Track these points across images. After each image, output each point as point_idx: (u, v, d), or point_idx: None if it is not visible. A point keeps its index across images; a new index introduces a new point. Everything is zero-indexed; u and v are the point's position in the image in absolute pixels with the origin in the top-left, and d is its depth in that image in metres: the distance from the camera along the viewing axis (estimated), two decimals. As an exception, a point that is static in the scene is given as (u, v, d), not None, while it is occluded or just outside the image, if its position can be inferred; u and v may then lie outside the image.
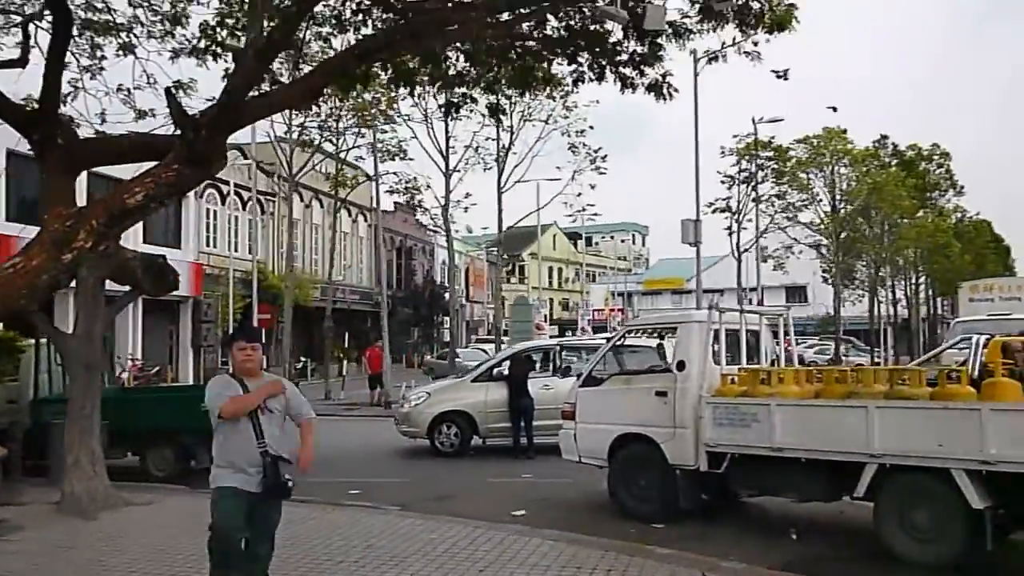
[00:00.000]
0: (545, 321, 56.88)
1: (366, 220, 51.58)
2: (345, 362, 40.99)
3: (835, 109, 22.97)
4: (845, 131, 36.68)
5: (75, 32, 14.77)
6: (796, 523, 9.03)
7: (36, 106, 10.49)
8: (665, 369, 9.69)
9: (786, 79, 16.01)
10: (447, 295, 57.97)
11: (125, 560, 7.65)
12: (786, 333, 10.47)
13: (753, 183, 34.46)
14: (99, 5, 12.54)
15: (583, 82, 13.02)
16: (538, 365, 15.79)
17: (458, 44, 12.88)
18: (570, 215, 39.23)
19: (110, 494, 10.06)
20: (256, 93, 10.57)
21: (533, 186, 38.99)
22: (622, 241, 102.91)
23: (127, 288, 10.81)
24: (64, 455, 10.01)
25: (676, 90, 12.62)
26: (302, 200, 42.21)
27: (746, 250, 35.76)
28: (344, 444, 17.58)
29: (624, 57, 12.01)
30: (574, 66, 12.67)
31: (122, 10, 12.75)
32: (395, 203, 47.76)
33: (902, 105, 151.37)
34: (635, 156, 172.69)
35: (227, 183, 35.70)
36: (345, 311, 44.28)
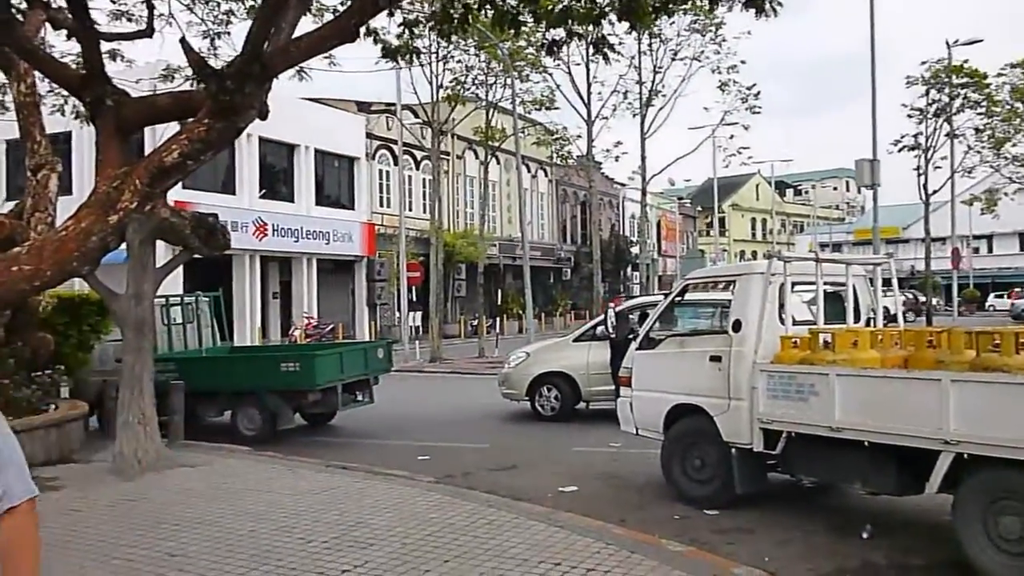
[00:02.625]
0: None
1: (546, 175, 51.03)
2: (525, 319, 40.77)
3: None
4: (1075, 50, 31.52)
5: (205, -1, 15.10)
6: (875, 519, 7.43)
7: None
8: (721, 330, 8.27)
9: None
10: (634, 248, 56.69)
11: (116, 530, 7.41)
12: (887, 285, 8.65)
13: (946, 115, 30.32)
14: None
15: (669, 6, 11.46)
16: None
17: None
18: (724, 161, 36.54)
19: (162, 455, 10.01)
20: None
21: (691, 133, 36.64)
22: (834, 189, 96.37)
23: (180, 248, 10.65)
24: (116, 416, 10.08)
25: (780, 4, 10.87)
26: (477, 157, 42.21)
27: (935, 192, 31.71)
28: (450, 404, 17.14)
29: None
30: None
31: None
32: (576, 157, 46.90)
33: None
34: (864, 100, 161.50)
35: (395, 142, 36.18)
36: (530, 268, 44.00)
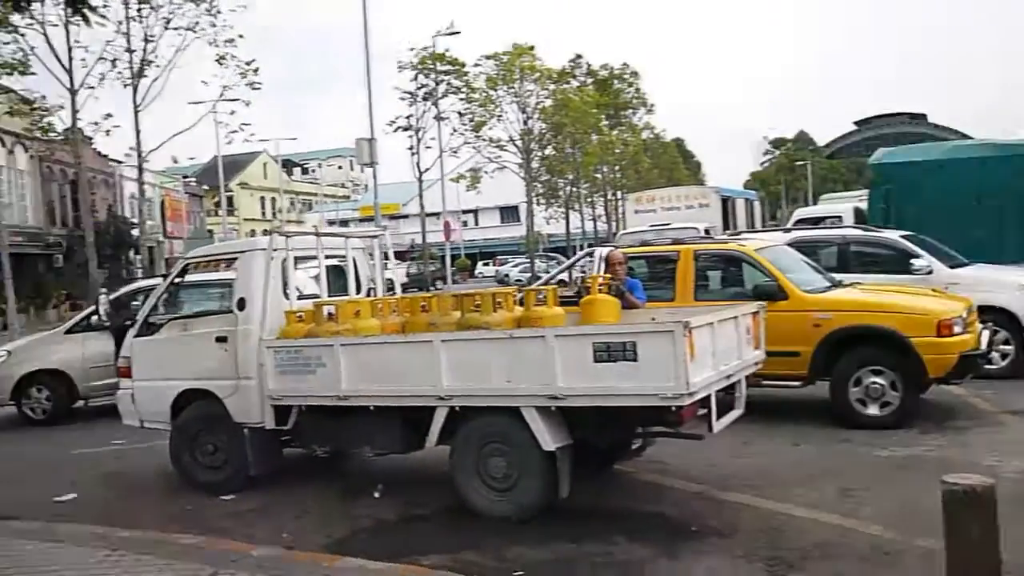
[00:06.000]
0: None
1: (25, 150, 45.21)
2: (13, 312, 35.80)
3: None
4: (532, 48, 36.35)
5: None
6: (385, 479, 7.84)
7: None
8: (227, 310, 8.04)
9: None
10: (135, 231, 52.87)
11: None
12: (385, 256, 9.14)
13: (433, 99, 33.24)
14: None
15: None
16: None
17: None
18: (227, 138, 35.78)
19: None
20: None
21: (191, 108, 35.34)
22: (339, 167, 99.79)
23: None
24: None
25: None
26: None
27: (427, 170, 34.73)
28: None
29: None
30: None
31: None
32: (60, 130, 42.12)
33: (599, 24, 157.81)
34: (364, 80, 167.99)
35: None
36: (13, 256, 38.58)
